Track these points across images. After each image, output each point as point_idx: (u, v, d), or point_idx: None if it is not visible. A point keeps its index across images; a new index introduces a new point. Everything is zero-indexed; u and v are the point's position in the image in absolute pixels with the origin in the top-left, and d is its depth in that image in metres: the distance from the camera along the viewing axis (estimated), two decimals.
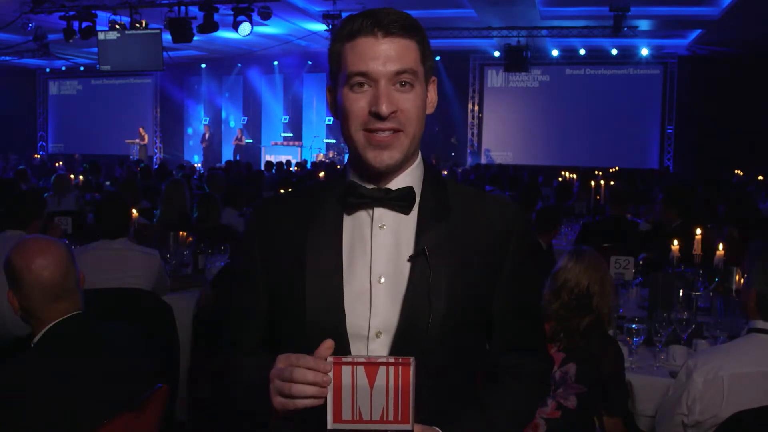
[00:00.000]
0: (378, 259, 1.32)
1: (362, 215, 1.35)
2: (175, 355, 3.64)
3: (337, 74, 1.33)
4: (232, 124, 20.29)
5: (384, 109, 1.26)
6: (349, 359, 1.16)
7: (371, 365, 1.14)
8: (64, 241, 2.19)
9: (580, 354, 2.58)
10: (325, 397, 1.15)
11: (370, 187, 1.34)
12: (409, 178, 1.36)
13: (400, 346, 1.29)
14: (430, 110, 1.37)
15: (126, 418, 1.94)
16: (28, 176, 9.92)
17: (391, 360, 1.15)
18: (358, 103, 1.28)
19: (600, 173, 10.80)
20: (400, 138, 1.29)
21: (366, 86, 1.28)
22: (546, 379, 1.53)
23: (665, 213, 5.14)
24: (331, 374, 1.14)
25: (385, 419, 1.15)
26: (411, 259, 1.31)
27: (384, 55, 1.27)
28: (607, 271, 2.80)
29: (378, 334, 1.30)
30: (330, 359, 1.16)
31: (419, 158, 1.40)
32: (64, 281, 1.99)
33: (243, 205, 6.35)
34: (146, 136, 19.26)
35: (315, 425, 1.18)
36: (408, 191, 1.33)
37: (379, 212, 1.34)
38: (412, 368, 1.14)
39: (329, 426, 1.15)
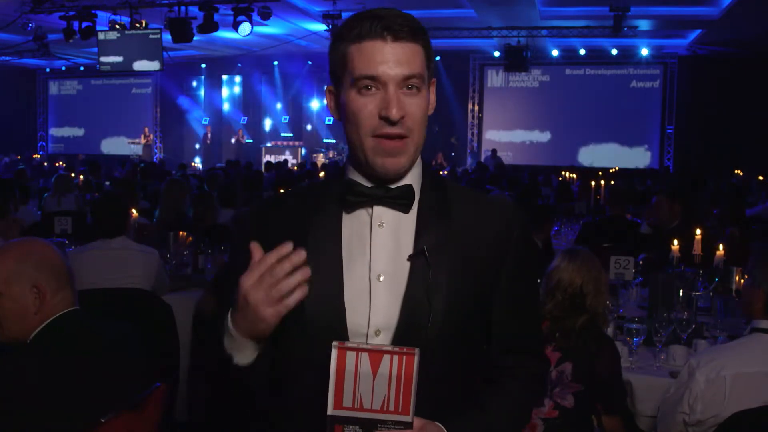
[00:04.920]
0: (377, 257, 1.32)
1: (361, 213, 1.35)
2: (174, 355, 3.64)
3: (342, 76, 1.31)
4: (232, 123, 20.27)
5: (394, 113, 1.25)
6: (353, 345, 1.17)
7: (376, 353, 1.16)
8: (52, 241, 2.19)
9: (576, 353, 2.57)
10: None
11: (369, 185, 1.34)
12: (409, 177, 1.37)
13: (399, 344, 1.29)
14: (429, 111, 1.37)
15: (126, 417, 1.93)
16: (27, 176, 9.92)
17: (396, 349, 1.16)
18: (367, 107, 1.27)
19: (600, 173, 10.79)
20: (407, 145, 1.30)
21: (374, 89, 1.27)
22: (543, 380, 1.55)
23: (668, 210, 5.11)
24: (334, 357, 1.16)
25: (385, 409, 1.16)
26: (411, 258, 1.32)
27: (393, 59, 1.26)
28: (602, 270, 2.78)
29: (377, 332, 1.31)
30: (335, 343, 1.17)
31: (419, 158, 1.40)
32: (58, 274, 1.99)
33: (240, 204, 6.33)
34: (150, 137, 19.24)
35: (314, 413, 1.18)
36: (407, 189, 1.34)
37: (379, 210, 1.34)
38: (416, 358, 1.15)
39: (329, 412, 1.16)
